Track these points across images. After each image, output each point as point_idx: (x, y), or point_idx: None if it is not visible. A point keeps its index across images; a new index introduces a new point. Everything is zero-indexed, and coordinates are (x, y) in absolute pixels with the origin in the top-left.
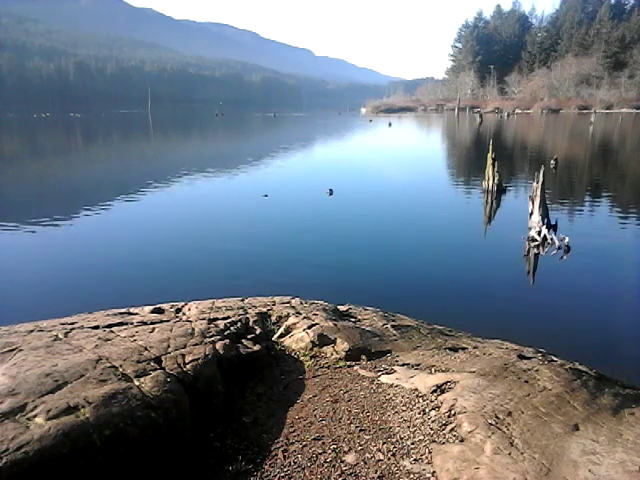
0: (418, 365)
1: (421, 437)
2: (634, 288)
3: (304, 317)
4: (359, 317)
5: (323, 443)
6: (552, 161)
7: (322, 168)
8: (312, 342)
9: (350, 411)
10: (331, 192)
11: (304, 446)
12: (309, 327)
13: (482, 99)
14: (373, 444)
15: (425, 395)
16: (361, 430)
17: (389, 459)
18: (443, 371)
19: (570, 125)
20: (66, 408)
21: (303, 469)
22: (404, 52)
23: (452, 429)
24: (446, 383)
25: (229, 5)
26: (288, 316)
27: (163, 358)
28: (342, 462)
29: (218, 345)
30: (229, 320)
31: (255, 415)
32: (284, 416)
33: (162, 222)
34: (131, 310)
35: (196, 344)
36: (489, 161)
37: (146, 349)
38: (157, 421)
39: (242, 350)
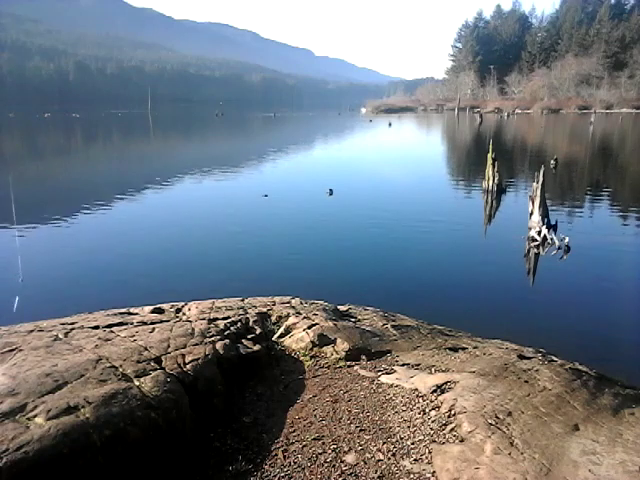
0: (418, 365)
1: (421, 437)
2: (634, 288)
3: (304, 317)
4: (359, 317)
5: (323, 443)
6: (552, 161)
7: (322, 168)
8: (312, 342)
9: (350, 411)
10: (331, 192)
11: (304, 446)
12: (309, 327)
13: (482, 99)
14: (373, 444)
15: (425, 395)
16: (361, 430)
17: (389, 459)
18: (443, 371)
19: (570, 125)
20: (66, 408)
21: (303, 469)
22: (404, 52)
23: (452, 429)
24: (446, 383)
25: (229, 5)
26: (288, 316)
27: (163, 358)
28: (342, 462)
29: (218, 345)
30: (229, 320)
31: (255, 415)
32: (284, 416)
33: (162, 222)
34: (131, 310)
35: (196, 344)
36: (489, 161)
37: (146, 349)
38: (157, 421)
39: (242, 350)
